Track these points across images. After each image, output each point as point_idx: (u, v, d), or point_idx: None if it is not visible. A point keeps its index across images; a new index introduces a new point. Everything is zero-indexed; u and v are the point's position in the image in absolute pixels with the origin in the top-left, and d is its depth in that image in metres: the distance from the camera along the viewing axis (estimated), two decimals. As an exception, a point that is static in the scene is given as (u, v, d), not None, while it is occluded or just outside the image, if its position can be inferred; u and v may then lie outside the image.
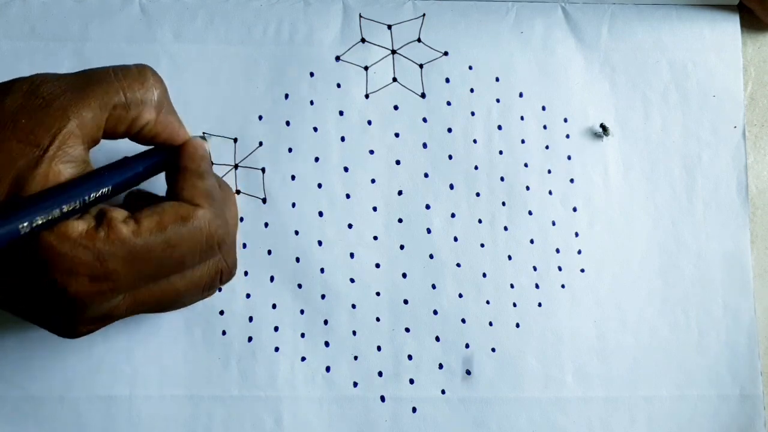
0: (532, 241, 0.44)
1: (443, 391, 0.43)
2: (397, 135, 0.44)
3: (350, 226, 0.43)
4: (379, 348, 0.43)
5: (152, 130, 0.35)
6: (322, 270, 0.43)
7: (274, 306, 0.43)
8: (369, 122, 0.44)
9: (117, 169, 0.34)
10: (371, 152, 0.44)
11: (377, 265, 0.43)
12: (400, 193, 0.44)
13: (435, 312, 0.43)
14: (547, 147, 0.45)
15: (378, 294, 0.43)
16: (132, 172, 0.34)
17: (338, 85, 0.44)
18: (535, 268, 0.44)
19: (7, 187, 0.30)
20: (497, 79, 0.45)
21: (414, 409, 0.43)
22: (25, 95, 0.31)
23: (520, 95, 0.45)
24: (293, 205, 0.43)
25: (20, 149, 0.30)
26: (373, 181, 0.44)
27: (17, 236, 0.29)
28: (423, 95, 0.45)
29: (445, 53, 0.45)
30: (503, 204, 0.44)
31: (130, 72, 0.34)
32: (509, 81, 0.45)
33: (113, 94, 0.33)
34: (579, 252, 0.44)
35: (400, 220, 0.44)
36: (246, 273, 0.43)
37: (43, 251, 0.30)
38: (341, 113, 0.44)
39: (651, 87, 0.46)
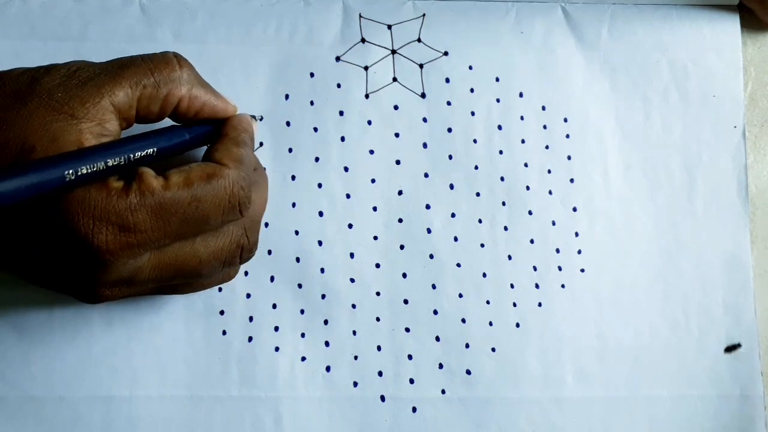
0: (532, 241, 0.44)
1: (443, 391, 0.43)
2: (397, 135, 0.44)
3: (350, 226, 0.43)
4: (379, 348, 0.43)
5: (190, 107, 0.36)
6: (322, 270, 0.43)
7: (274, 306, 0.43)
8: (369, 122, 0.44)
9: (164, 134, 0.35)
10: (371, 152, 0.44)
11: (377, 265, 0.43)
12: (400, 193, 0.44)
13: (435, 312, 0.43)
14: (547, 147, 0.45)
15: (378, 294, 0.43)
16: (179, 138, 0.36)
17: (338, 85, 0.44)
18: (535, 268, 0.44)
19: (44, 145, 0.31)
20: (497, 79, 0.45)
21: (414, 409, 0.43)
22: (63, 76, 0.33)
23: (520, 95, 0.45)
24: (293, 205, 0.43)
25: (54, 117, 0.32)
26: (373, 181, 0.44)
27: (63, 183, 0.30)
28: (423, 95, 0.45)
29: (445, 53, 0.45)
30: (503, 204, 0.44)
31: (156, 56, 0.36)
32: (509, 81, 0.45)
33: (142, 75, 0.34)
34: (579, 252, 0.44)
35: (400, 220, 0.44)
36: (246, 273, 0.43)
37: (75, 199, 0.31)
38: (341, 113, 0.44)
39: (651, 87, 0.46)
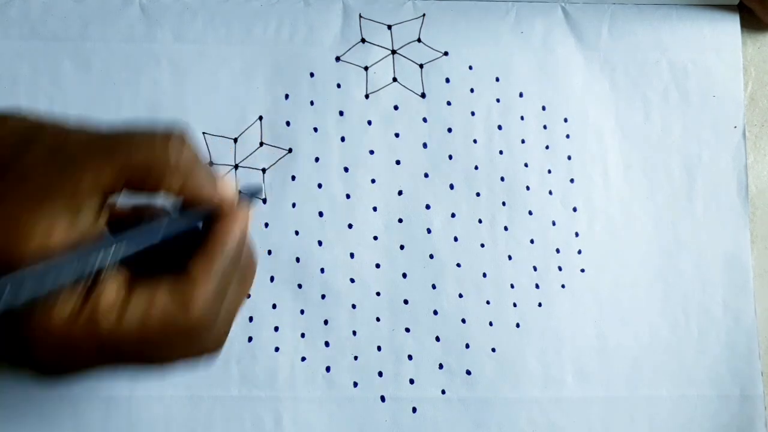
0: (532, 241, 0.44)
1: (443, 391, 0.43)
2: (397, 135, 0.44)
3: (350, 226, 0.43)
4: (379, 348, 0.43)
5: (180, 193, 0.32)
6: (322, 270, 0.43)
7: (274, 306, 0.43)
8: (369, 122, 0.44)
9: (134, 234, 0.31)
10: (371, 152, 0.44)
11: (377, 265, 0.43)
12: (400, 193, 0.44)
13: (435, 312, 0.43)
14: (547, 147, 0.45)
15: (378, 294, 0.43)
16: (154, 237, 0.32)
17: (338, 85, 0.44)
18: (535, 268, 0.44)
19: (5, 238, 0.28)
20: (497, 79, 0.45)
21: (414, 409, 0.43)
22: (49, 150, 0.30)
23: (520, 95, 0.45)
24: (293, 205, 0.43)
25: (29, 197, 0.29)
26: (373, 181, 0.44)
27: None
28: (423, 95, 0.45)
29: (445, 53, 0.45)
30: (503, 204, 0.44)
31: (157, 134, 0.32)
32: (509, 81, 0.45)
33: (135, 156, 0.31)
34: (579, 252, 0.44)
35: (400, 220, 0.44)
36: (246, 273, 0.43)
37: (23, 319, 0.29)
38: (341, 113, 0.44)
39: (651, 87, 0.46)
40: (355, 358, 0.43)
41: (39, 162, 0.30)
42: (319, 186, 0.44)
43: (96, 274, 0.30)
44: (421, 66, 0.45)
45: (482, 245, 0.44)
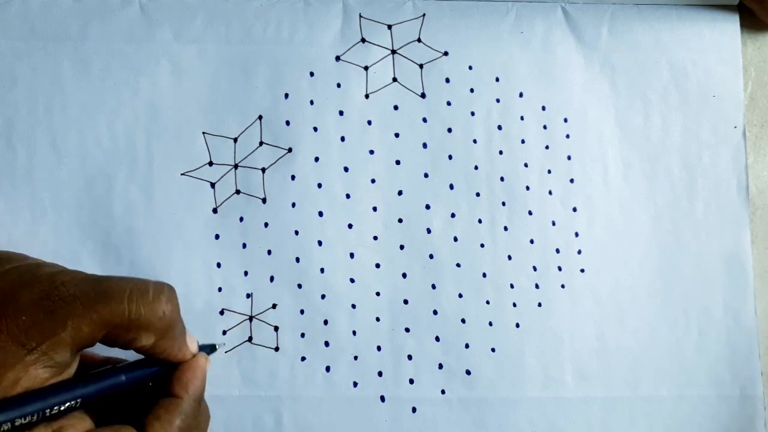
0: (532, 241, 0.44)
1: (443, 391, 0.43)
2: (397, 135, 0.44)
3: (350, 226, 0.43)
4: (379, 348, 0.43)
5: (149, 351, 0.35)
6: (322, 270, 0.43)
7: (274, 306, 0.43)
8: (369, 122, 0.44)
9: (97, 380, 0.34)
10: (371, 152, 0.44)
11: (377, 265, 0.43)
12: (400, 193, 0.44)
13: (435, 312, 0.43)
14: (547, 147, 0.45)
15: (378, 294, 0.43)
16: (114, 383, 0.34)
17: (338, 85, 0.44)
18: (535, 268, 0.44)
19: None
20: (497, 79, 0.45)
21: (414, 409, 0.43)
22: (40, 294, 0.32)
23: (520, 95, 0.45)
24: (293, 205, 0.43)
25: (5, 344, 0.31)
26: (373, 181, 0.44)
27: None
28: (423, 95, 0.45)
29: (445, 53, 0.45)
30: (503, 204, 0.44)
31: (145, 294, 0.34)
32: (509, 81, 0.45)
33: (117, 316, 0.33)
34: (579, 252, 0.44)
35: (400, 220, 0.44)
36: (246, 273, 0.43)
37: None
38: (341, 113, 0.44)
39: (651, 87, 0.46)
40: (355, 358, 0.43)
41: (31, 302, 0.32)
42: (319, 186, 0.44)
43: (61, 414, 0.32)
44: (421, 66, 0.45)
45: (482, 245, 0.44)
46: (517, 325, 0.43)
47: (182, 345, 0.36)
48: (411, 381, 0.43)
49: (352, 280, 0.43)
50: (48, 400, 0.31)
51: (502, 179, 0.44)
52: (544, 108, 0.45)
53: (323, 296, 0.43)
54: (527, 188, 0.45)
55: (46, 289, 0.32)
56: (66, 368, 0.32)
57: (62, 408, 0.32)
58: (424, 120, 0.45)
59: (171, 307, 0.34)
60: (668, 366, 0.44)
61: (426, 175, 0.44)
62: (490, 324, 0.43)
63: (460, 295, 0.43)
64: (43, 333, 0.31)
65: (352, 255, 0.43)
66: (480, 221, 0.44)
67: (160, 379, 0.36)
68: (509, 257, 0.44)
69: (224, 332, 0.42)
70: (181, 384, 0.35)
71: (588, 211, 0.45)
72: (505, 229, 0.44)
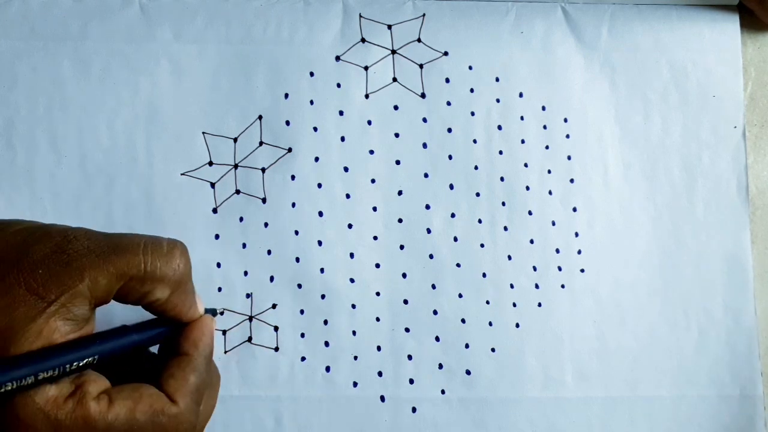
0: (532, 241, 0.44)
1: (443, 391, 0.43)
2: (397, 135, 0.44)
3: (350, 226, 0.43)
4: (379, 348, 0.43)
5: (161, 306, 0.35)
6: (322, 270, 0.43)
7: (274, 306, 0.43)
8: (369, 122, 0.44)
9: (111, 338, 0.34)
10: (371, 152, 0.44)
11: (377, 265, 0.43)
12: (400, 193, 0.44)
13: (435, 312, 0.43)
14: (547, 147, 0.45)
15: (378, 294, 0.43)
16: (127, 341, 0.34)
17: (338, 85, 0.44)
18: (535, 268, 0.44)
19: (3, 331, 0.30)
20: (497, 79, 0.45)
21: (414, 409, 0.43)
22: (53, 248, 0.32)
23: (520, 95, 0.45)
24: (293, 205, 0.43)
25: (25, 297, 0.31)
26: (373, 181, 0.44)
27: None
28: (423, 95, 0.45)
29: (445, 53, 0.45)
30: (503, 204, 0.44)
31: (159, 247, 0.34)
32: (509, 81, 0.45)
33: (133, 267, 0.33)
34: (579, 252, 0.44)
35: (400, 220, 0.44)
36: (246, 273, 0.43)
37: (5, 407, 0.30)
38: (341, 113, 0.44)
39: (651, 87, 0.46)
40: (355, 358, 0.43)
41: (46, 256, 0.31)
42: (319, 186, 0.44)
43: (78, 370, 0.32)
44: (421, 66, 0.45)
45: (482, 245, 0.44)
46: (517, 325, 0.44)
47: (193, 303, 0.36)
48: (411, 381, 0.43)
49: (352, 280, 0.43)
50: (69, 355, 0.31)
51: (502, 179, 0.44)
52: (544, 108, 0.45)
53: (323, 296, 0.43)
54: (527, 188, 0.45)
55: (59, 242, 0.32)
56: (85, 324, 0.32)
57: (81, 364, 0.32)
58: (424, 120, 0.45)
59: (185, 261, 0.35)
60: (668, 366, 0.44)
61: (426, 175, 0.44)
62: (490, 324, 0.43)
63: (460, 295, 0.43)
64: (60, 285, 0.31)
65: (352, 255, 0.43)
66: (480, 221, 0.44)
67: (168, 341, 0.36)
68: (509, 257, 0.44)
69: (224, 332, 0.42)
70: (191, 342, 0.36)
71: (588, 211, 0.45)
72: (505, 229, 0.44)
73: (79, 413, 0.31)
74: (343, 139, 0.44)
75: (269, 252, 0.43)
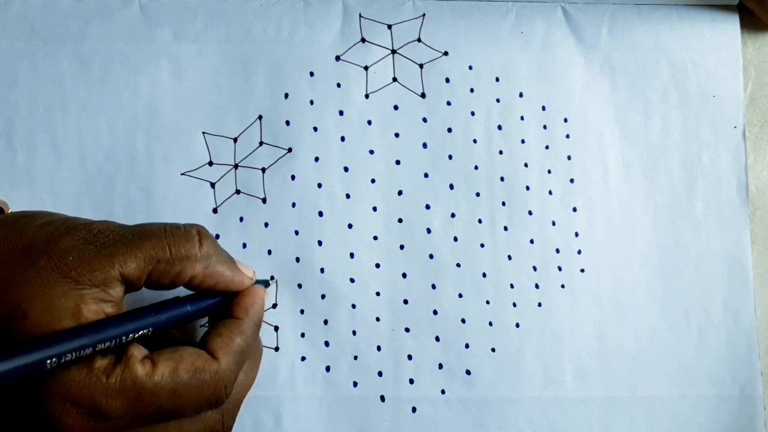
0: (532, 241, 0.44)
1: (443, 391, 0.43)
2: (397, 135, 0.44)
3: (350, 226, 0.43)
4: (379, 348, 0.43)
5: (202, 283, 0.36)
6: (322, 270, 0.43)
7: (274, 306, 0.43)
8: (369, 122, 0.44)
9: (164, 309, 0.35)
10: (371, 152, 0.44)
11: (377, 265, 0.43)
12: (400, 193, 0.44)
13: (435, 312, 0.43)
14: (547, 147, 0.45)
15: (378, 294, 0.43)
16: (181, 311, 0.35)
17: (338, 85, 0.44)
18: (535, 268, 0.44)
19: (38, 311, 0.31)
20: (497, 79, 0.45)
21: (414, 409, 0.43)
22: (80, 239, 0.33)
23: (520, 95, 0.45)
24: (293, 205, 0.43)
25: (58, 280, 0.31)
26: (373, 181, 0.44)
27: (43, 370, 0.30)
28: (423, 95, 0.45)
29: (445, 53, 0.45)
30: (503, 204, 0.44)
31: (179, 231, 0.35)
32: (509, 81, 0.45)
33: (159, 250, 0.34)
34: (579, 252, 0.44)
35: (400, 220, 0.44)
36: (246, 273, 0.43)
37: (52, 378, 0.31)
38: (341, 113, 0.44)
39: (651, 87, 0.46)
40: (355, 357, 0.43)
41: (74, 246, 0.32)
42: (319, 186, 0.44)
43: (135, 341, 0.33)
44: (421, 66, 0.45)
45: (482, 245, 0.44)
46: (517, 325, 0.44)
47: (235, 271, 0.37)
48: (411, 381, 0.43)
49: (352, 280, 0.43)
50: (127, 326, 0.32)
51: (502, 179, 0.44)
52: (544, 108, 0.45)
53: (323, 296, 0.43)
54: (527, 188, 0.45)
55: (85, 235, 0.33)
56: (118, 308, 0.33)
57: (138, 335, 0.33)
58: (424, 120, 0.45)
59: (205, 235, 0.36)
60: (668, 366, 0.44)
61: (426, 175, 0.44)
62: (490, 324, 0.43)
63: (460, 295, 0.43)
64: (92, 270, 0.32)
65: (352, 255, 0.43)
66: (480, 221, 0.44)
67: (219, 311, 0.37)
68: (509, 257, 0.44)
69: (224, 332, 0.42)
70: (241, 307, 0.37)
71: (588, 211, 0.45)
72: (505, 229, 0.44)
73: (128, 376, 0.32)
74: (343, 139, 0.44)
75: (269, 252, 0.43)
